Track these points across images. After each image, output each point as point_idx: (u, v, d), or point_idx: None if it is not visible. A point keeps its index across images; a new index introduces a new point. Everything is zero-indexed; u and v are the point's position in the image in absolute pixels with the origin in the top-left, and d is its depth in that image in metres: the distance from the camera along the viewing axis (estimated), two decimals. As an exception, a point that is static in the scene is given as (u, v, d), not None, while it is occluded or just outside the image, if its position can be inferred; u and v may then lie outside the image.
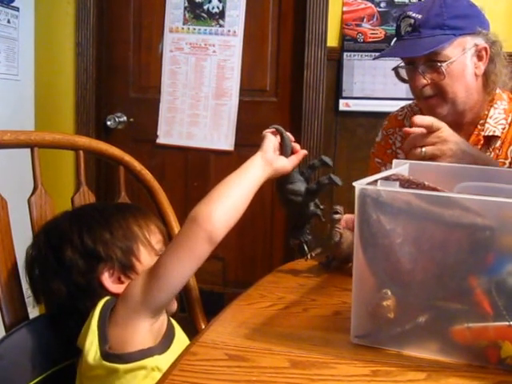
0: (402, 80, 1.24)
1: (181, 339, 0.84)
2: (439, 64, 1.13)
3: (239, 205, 0.78)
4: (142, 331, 0.76)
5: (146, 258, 0.83)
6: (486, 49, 1.16)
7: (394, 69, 1.24)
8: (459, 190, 0.80)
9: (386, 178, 0.74)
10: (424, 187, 0.74)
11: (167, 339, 0.81)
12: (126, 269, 0.81)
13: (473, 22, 1.16)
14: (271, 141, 0.89)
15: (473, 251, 0.64)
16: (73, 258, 0.79)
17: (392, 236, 0.66)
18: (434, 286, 0.66)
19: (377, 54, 1.28)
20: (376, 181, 0.70)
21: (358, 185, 0.67)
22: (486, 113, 1.21)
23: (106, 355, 0.73)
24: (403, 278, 0.68)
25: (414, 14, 1.15)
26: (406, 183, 0.75)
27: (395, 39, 1.22)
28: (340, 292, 0.87)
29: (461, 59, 1.15)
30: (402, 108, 1.38)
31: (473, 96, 1.19)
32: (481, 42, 1.16)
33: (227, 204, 0.76)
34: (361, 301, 0.70)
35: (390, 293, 0.67)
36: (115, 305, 0.77)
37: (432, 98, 1.18)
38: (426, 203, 0.65)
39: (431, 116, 1.23)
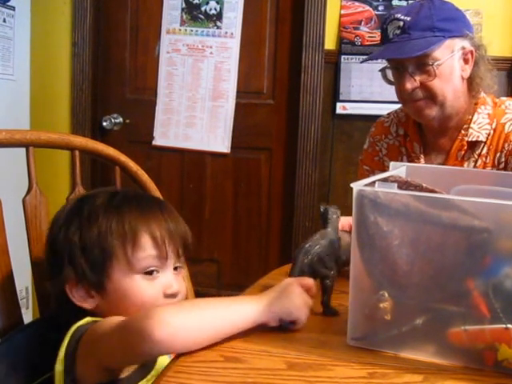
0: (389, 82, 1.24)
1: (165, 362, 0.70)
2: (431, 62, 1.13)
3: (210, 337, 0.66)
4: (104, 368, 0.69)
5: (119, 277, 0.74)
6: (471, 52, 1.18)
7: (381, 70, 1.23)
8: (456, 192, 0.80)
9: (384, 180, 0.74)
10: (422, 189, 0.74)
11: (144, 368, 0.72)
12: (94, 285, 0.74)
13: (460, 24, 1.18)
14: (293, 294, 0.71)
15: (470, 253, 0.64)
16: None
17: (389, 238, 0.66)
18: (431, 288, 0.66)
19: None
20: (374, 182, 0.70)
21: (356, 186, 0.66)
22: (470, 117, 1.21)
23: None
24: (400, 279, 0.68)
25: (402, 17, 1.15)
26: (404, 185, 0.75)
27: (383, 43, 1.21)
28: (337, 294, 0.87)
29: (449, 61, 1.16)
30: (389, 114, 1.37)
31: (460, 99, 1.20)
32: (467, 45, 1.18)
33: (198, 332, 0.65)
34: (358, 303, 0.70)
35: (386, 295, 0.67)
36: (86, 332, 0.70)
37: (421, 100, 1.18)
38: (424, 205, 0.65)
39: (419, 119, 1.24)
